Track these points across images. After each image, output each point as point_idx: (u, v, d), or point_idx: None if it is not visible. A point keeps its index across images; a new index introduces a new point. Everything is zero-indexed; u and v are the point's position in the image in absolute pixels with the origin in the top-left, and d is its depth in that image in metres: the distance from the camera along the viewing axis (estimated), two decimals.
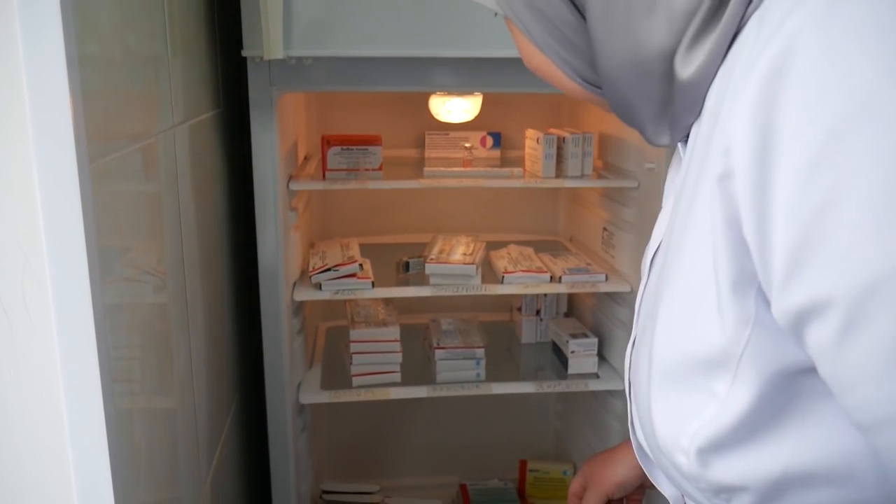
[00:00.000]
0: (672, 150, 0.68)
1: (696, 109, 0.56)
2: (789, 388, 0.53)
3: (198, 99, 1.20)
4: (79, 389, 0.62)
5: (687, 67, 0.54)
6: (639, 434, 0.71)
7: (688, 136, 0.60)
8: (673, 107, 0.58)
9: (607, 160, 1.79)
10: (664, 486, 0.75)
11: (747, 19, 0.51)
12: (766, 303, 0.50)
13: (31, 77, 0.57)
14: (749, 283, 0.51)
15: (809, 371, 0.51)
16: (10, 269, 0.54)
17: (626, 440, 1.00)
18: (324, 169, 1.59)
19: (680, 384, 0.57)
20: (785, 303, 0.48)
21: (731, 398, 0.54)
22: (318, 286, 1.57)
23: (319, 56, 1.33)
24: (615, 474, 1.03)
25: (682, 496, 0.75)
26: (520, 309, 1.98)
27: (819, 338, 0.47)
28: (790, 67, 0.45)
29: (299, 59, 1.33)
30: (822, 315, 0.45)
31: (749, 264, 0.50)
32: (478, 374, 1.71)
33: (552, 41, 0.63)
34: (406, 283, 1.65)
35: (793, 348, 0.51)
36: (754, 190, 0.47)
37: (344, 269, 1.56)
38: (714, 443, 0.56)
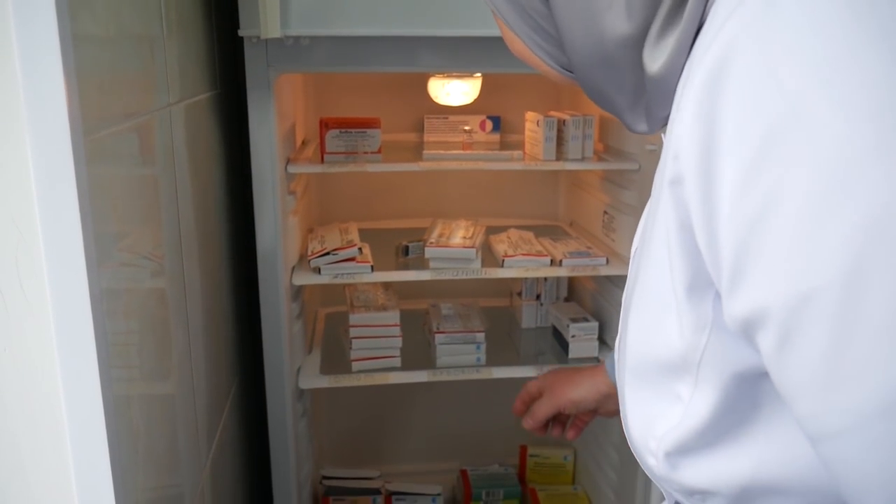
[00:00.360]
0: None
1: (670, 101, 0.55)
2: (753, 393, 0.52)
3: (194, 79, 1.18)
4: (76, 374, 0.61)
5: (655, 62, 0.54)
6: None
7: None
8: (647, 97, 0.58)
9: (608, 143, 1.77)
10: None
11: (709, 11, 0.50)
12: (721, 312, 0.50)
13: (25, 52, 0.55)
14: (705, 287, 0.50)
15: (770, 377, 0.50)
16: (3, 244, 0.53)
17: (595, 366, 1.09)
18: (322, 152, 1.57)
19: (649, 385, 0.57)
20: (731, 311, 0.47)
21: (694, 403, 0.54)
22: (317, 270, 1.56)
23: (317, 35, 1.32)
24: (574, 393, 1.07)
25: None
26: (520, 294, 1.97)
27: (763, 347, 0.46)
28: (728, 70, 0.44)
29: (297, 38, 1.32)
30: (762, 326, 0.45)
31: (703, 269, 0.49)
32: (478, 359, 1.70)
33: (526, 28, 0.63)
34: (405, 267, 1.63)
35: (751, 353, 0.50)
36: (701, 196, 0.47)
37: (343, 253, 1.55)
38: (681, 446, 0.56)
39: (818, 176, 0.41)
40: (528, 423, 1.13)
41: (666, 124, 0.58)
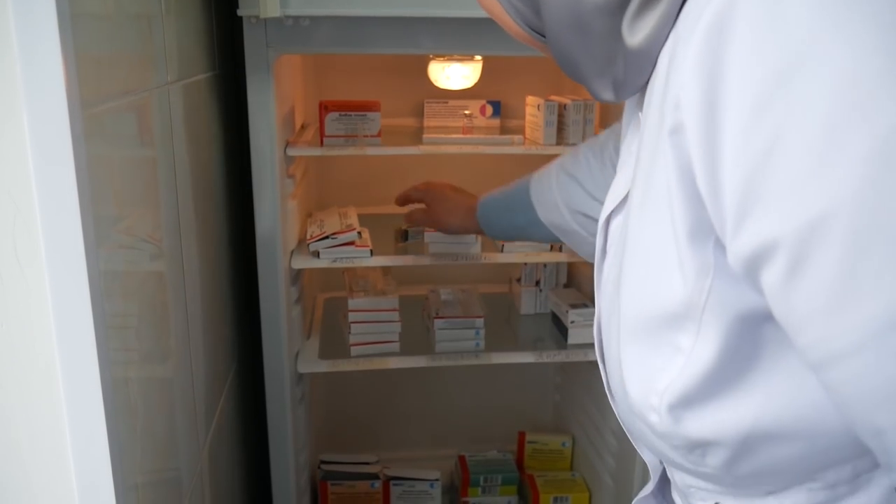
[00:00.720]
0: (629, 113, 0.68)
1: (647, 72, 0.56)
2: (754, 338, 0.53)
3: (192, 59, 1.17)
4: (74, 351, 0.60)
5: (636, 35, 0.54)
6: (615, 405, 0.71)
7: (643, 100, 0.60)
8: (616, 67, 0.59)
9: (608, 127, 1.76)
10: (644, 453, 0.75)
11: None
12: (724, 251, 0.51)
13: (22, 25, 0.54)
14: (706, 233, 0.51)
15: (772, 319, 0.51)
16: None
17: (470, 201, 1.34)
18: (321, 135, 1.56)
19: (647, 342, 0.58)
20: (737, 249, 0.48)
21: (696, 351, 0.55)
22: (317, 254, 1.55)
23: (317, 15, 1.30)
24: (449, 222, 1.38)
25: (661, 463, 0.74)
26: (519, 280, 1.96)
27: (770, 281, 0.47)
28: (732, 18, 0.45)
29: (296, 18, 1.30)
30: (770, 258, 0.46)
31: (705, 215, 0.51)
32: (477, 344, 1.70)
33: None
34: (405, 252, 1.63)
35: (753, 295, 0.51)
36: (703, 141, 0.48)
37: (342, 237, 1.54)
38: (683, 398, 0.56)
39: (827, 106, 0.42)
40: (406, 219, 1.49)
41: (637, 92, 0.60)
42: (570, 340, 1.72)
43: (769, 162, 0.44)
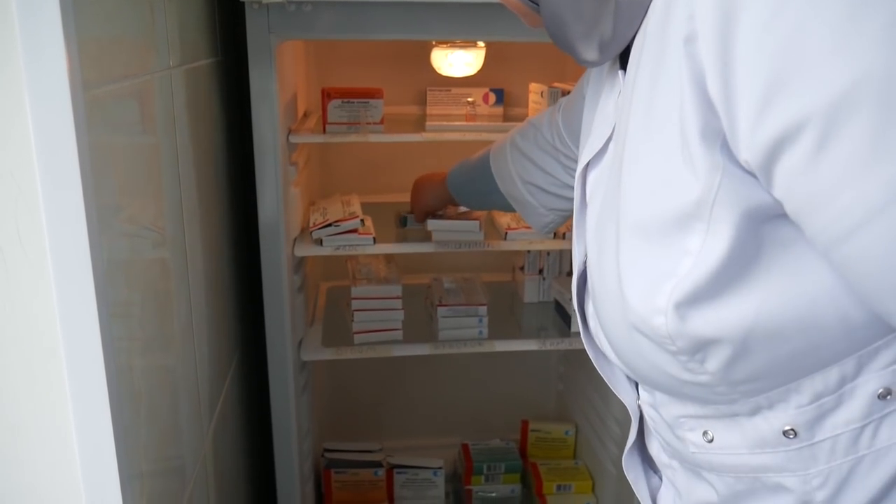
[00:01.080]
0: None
1: (638, 22, 0.61)
2: (756, 238, 0.56)
3: (194, 44, 1.16)
4: (78, 332, 0.60)
5: None
6: (598, 338, 0.76)
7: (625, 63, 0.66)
8: (603, 26, 0.63)
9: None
10: (623, 393, 0.78)
11: None
12: (731, 156, 0.54)
13: (24, 5, 0.54)
14: (715, 135, 0.54)
15: (776, 218, 0.55)
16: (1, 199, 0.51)
17: (440, 179, 1.43)
18: (324, 122, 1.56)
19: (654, 246, 0.60)
20: (758, 141, 0.50)
21: (705, 249, 0.57)
22: (319, 242, 1.54)
23: (319, 1, 1.30)
24: (425, 202, 1.53)
25: (638, 405, 0.77)
26: (522, 268, 1.96)
27: (791, 164, 0.50)
28: None
29: (299, 4, 1.30)
30: (796, 138, 0.48)
31: (714, 120, 0.53)
32: (480, 332, 1.69)
33: None
34: (406, 238, 1.62)
35: (761, 193, 0.54)
36: (718, 46, 0.50)
37: (345, 225, 1.54)
38: (691, 296, 0.58)
39: None
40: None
41: (621, 50, 0.65)
42: (574, 328, 1.72)
43: (792, 50, 0.47)
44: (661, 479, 0.82)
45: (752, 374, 0.61)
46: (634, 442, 0.81)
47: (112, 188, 0.69)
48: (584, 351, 0.80)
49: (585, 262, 0.76)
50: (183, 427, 0.99)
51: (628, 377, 0.78)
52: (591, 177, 0.75)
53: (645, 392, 0.74)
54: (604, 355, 0.78)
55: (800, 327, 0.58)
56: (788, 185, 0.51)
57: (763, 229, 0.56)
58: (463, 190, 1.39)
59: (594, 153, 0.72)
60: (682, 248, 0.58)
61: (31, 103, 0.52)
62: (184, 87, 1.05)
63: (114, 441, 0.64)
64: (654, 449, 0.79)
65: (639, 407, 0.77)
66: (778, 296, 0.57)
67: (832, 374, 0.60)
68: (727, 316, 0.58)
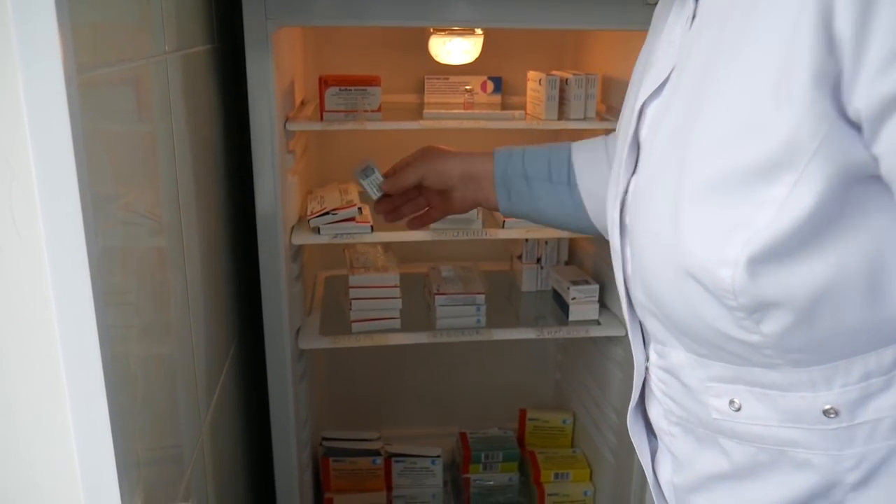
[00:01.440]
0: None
1: None
2: (844, 197, 0.54)
3: (190, 29, 1.15)
4: (73, 317, 0.59)
5: None
6: (635, 289, 0.71)
7: None
8: None
9: (610, 104, 1.75)
10: (636, 348, 0.75)
11: None
12: (839, 106, 0.52)
13: None
14: (827, 81, 0.51)
15: (866, 180, 0.53)
16: None
17: (482, 152, 1.09)
18: (321, 110, 1.55)
19: (728, 196, 0.57)
20: (877, 90, 0.49)
21: (790, 201, 0.54)
22: (317, 230, 1.54)
23: None
24: (442, 163, 1.08)
25: (646, 367, 0.75)
26: (520, 257, 1.96)
27: None
28: None
29: None
30: None
31: (830, 64, 0.51)
32: (478, 320, 1.69)
33: None
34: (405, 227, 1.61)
35: (860, 149, 0.52)
36: None
37: (342, 213, 1.54)
38: (767, 250, 0.56)
39: None
40: (388, 185, 1.15)
41: None
42: (572, 317, 1.72)
43: None
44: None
45: (808, 343, 0.59)
46: (637, 403, 0.78)
47: (107, 173, 0.69)
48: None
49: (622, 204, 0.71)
50: (180, 415, 0.99)
51: (643, 335, 0.74)
52: (649, 112, 0.69)
53: (657, 355, 0.71)
54: (631, 304, 0.74)
55: (868, 300, 0.56)
56: (892, 142, 0.50)
57: (851, 190, 0.54)
58: (512, 169, 1.08)
59: (656, 86, 0.67)
60: (761, 197, 0.55)
61: (24, 85, 0.52)
62: (180, 73, 1.05)
63: (110, 429, 0.64)
64: (654, 414, 0.76)
65: (645, 369, 0.75)
66: (852, 263, 0.55)
67: (887, 355, 0.58)
68: (798, 280, 0.56)
